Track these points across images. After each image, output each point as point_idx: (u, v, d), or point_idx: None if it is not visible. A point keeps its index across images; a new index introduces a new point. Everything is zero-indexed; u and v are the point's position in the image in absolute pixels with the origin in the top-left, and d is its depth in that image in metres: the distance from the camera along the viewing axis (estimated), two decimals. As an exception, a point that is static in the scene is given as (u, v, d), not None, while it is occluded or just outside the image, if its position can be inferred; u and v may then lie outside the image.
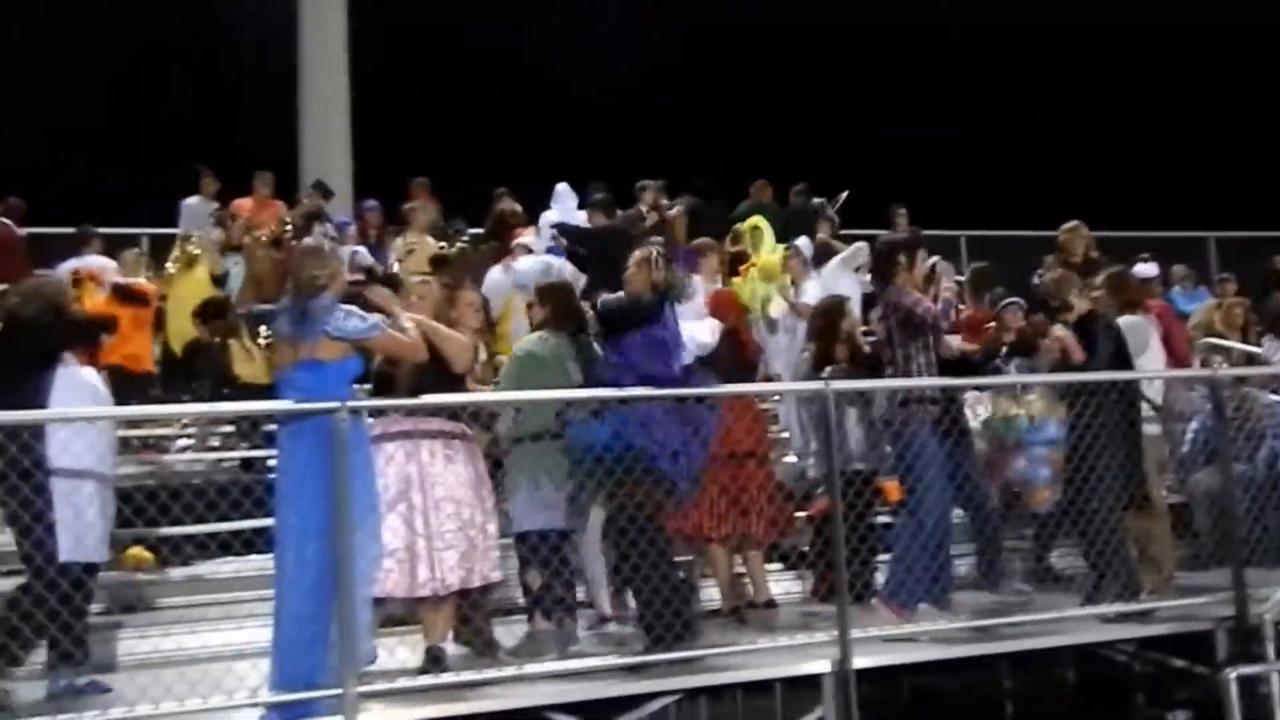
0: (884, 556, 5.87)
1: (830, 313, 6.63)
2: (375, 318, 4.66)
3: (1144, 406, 6.12)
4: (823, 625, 5.27)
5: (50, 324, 4.86)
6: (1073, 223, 8.70)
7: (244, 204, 10.90)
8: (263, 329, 7.80)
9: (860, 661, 4.83)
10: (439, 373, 5.01)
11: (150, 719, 4.09)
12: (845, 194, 11.64)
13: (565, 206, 9.61)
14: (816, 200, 11.32)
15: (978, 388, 5.97)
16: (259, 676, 4.47)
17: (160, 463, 7.48)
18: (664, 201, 10.48)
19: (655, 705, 4.87)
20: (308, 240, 6.80)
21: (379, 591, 4.71)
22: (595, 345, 5.65)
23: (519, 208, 10.45)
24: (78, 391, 5.02)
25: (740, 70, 18.08)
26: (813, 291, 8.07)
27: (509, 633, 5.68)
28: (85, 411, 4.95)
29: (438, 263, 9.10)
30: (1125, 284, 6.91)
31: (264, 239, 9.91)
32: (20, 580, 4.83)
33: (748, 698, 5.31)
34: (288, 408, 4.48)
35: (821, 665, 4.86)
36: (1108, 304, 6.45)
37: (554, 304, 5.88)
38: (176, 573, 6.17)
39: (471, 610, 5.30)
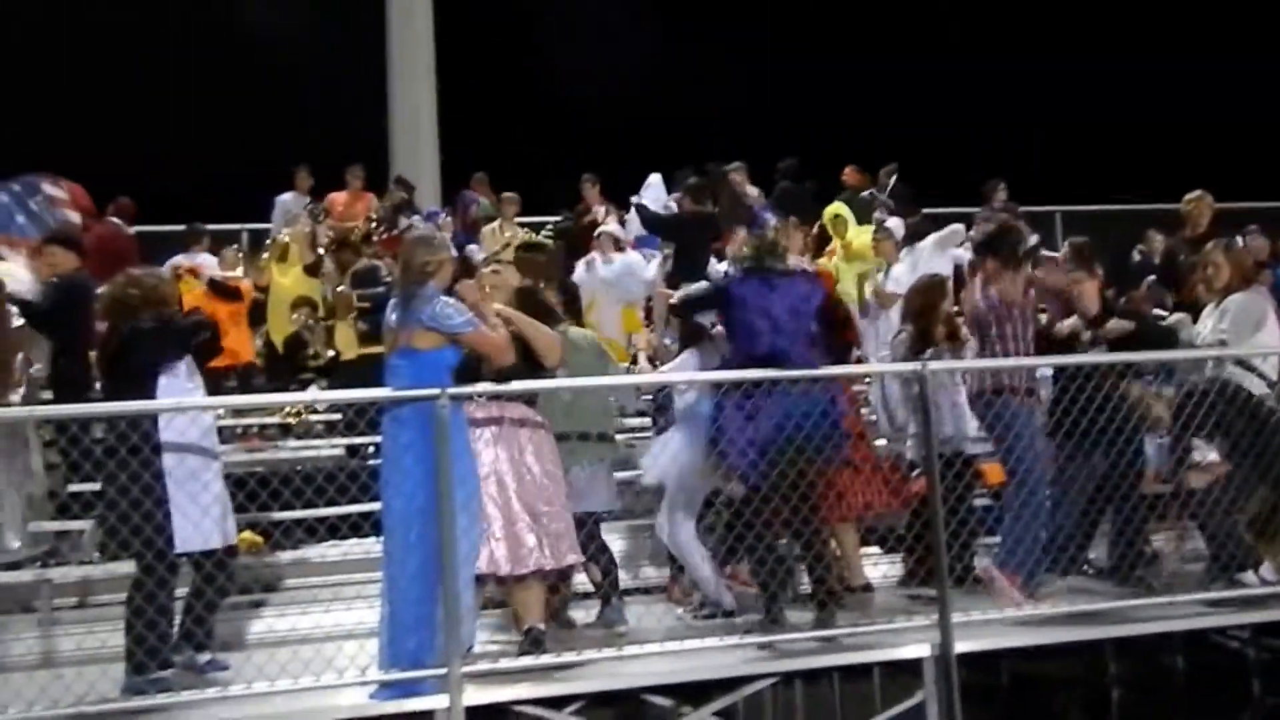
0: (987, 540, 5.78)
1: (929, 292, 6.52)
2: (470, 314, 4.74)
3: (1259, 383, 5.88)
4: (921, 609, 5.21)
5: (162, 334, 5.07)
6: (1196, 192, 8.36)
7: (338, 197, 11.20)
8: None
9: (962, 646, 4.77)
10: (529, 363, 5.09)
11: (265, 696, 4.27)
12: (893, 170, 11.31)
13: (655, 197, 9.65)
14: (866, 192, 11.09)
15: (1076, 367, 5.79)
16: (367, 656, 4.62)
17: (274, 447, 7.74)
18: (748, 189, 10.45)
19: (751, 689, 4.89)
20: (420, 229, 6.93)
21: (481, 568, 4.82)
22: None
23: (589, 200, 10.56)
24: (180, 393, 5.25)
25: (817, 47, 17.89)
26: (902, 274, 7.95)
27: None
28: (206, 401, 5.22)
29: (525, 249, 9.20)
30: (1239, 258, 6.63)
31: (355, 235, 10.14)
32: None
33: (844, 682, 5.27)
34: (388, 395, 4.61)
35: (921, 650, 4.81)
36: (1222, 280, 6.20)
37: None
38: (287, 556, 6.38)
39: (551, 593, 5.38)
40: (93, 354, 7.08)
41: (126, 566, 5.95)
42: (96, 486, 6.86)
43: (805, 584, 6.18)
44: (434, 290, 4.68)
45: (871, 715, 4.97)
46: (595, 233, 9.71)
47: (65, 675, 4.53)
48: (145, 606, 4.62)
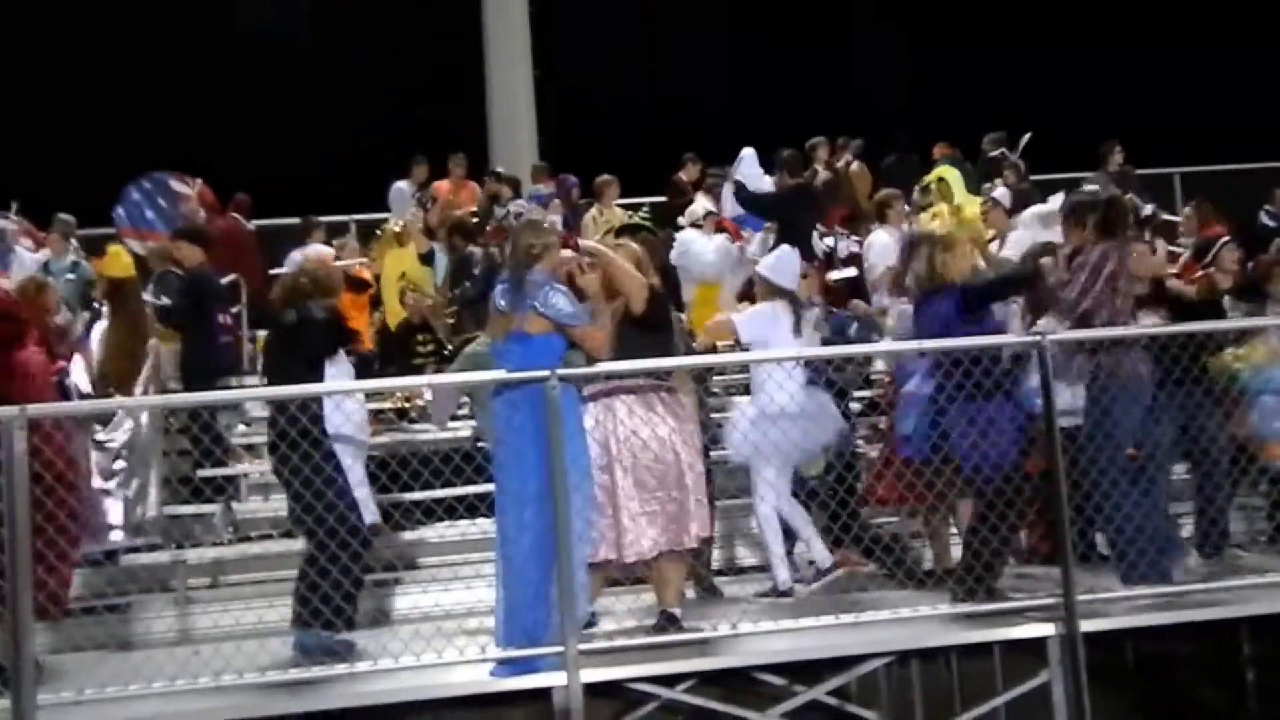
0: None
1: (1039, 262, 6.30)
2: (582, 307, 4.78)
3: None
4: (1043, 587, 5.07)
5: (331, 324, 5.26)
6: None
7: (442, 185, 11.38)
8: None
9: (1088, 625, 4.63)
10: (636, 324, 5.06)
11: (391, 673, 4.40)
12: (1027, 137, 11.01)
13: (750, 171, 9.53)
14: (994, 151, 10.76)
15: (1190, 334, 5.54)
16: (486, 634, 4.72)
17: (406, 430, 7.97)
18: (846, 157, 10.27)
19: (865, 668, 4.83)
20: (532, 213, 7.01)
21: (603, 552, 4.85)
22: None
23: (694, 176, 10.49)
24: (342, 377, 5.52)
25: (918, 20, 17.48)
26: (1019, 242, 7.70)
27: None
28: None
29: (623, 232, 9.23)
30: None
31: (470, 221, 10.30)
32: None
33: (963, 661, 5.18)
34: (499, 377, 4.68)
35: (1045, 629, 4.69)
36: None
37: None
38: (407, 536, 6.56)
39: (694, 561, 5.35)
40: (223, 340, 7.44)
41: (255, 548, 6.22)
42: (228, 471, 7.27)
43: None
44: (543, 275, 4.72)
45: (992, 696, 4.87)
46: (690, 214, 9.66)
47: (202, 652, 4.74)
48: (319, 581, 4.79)
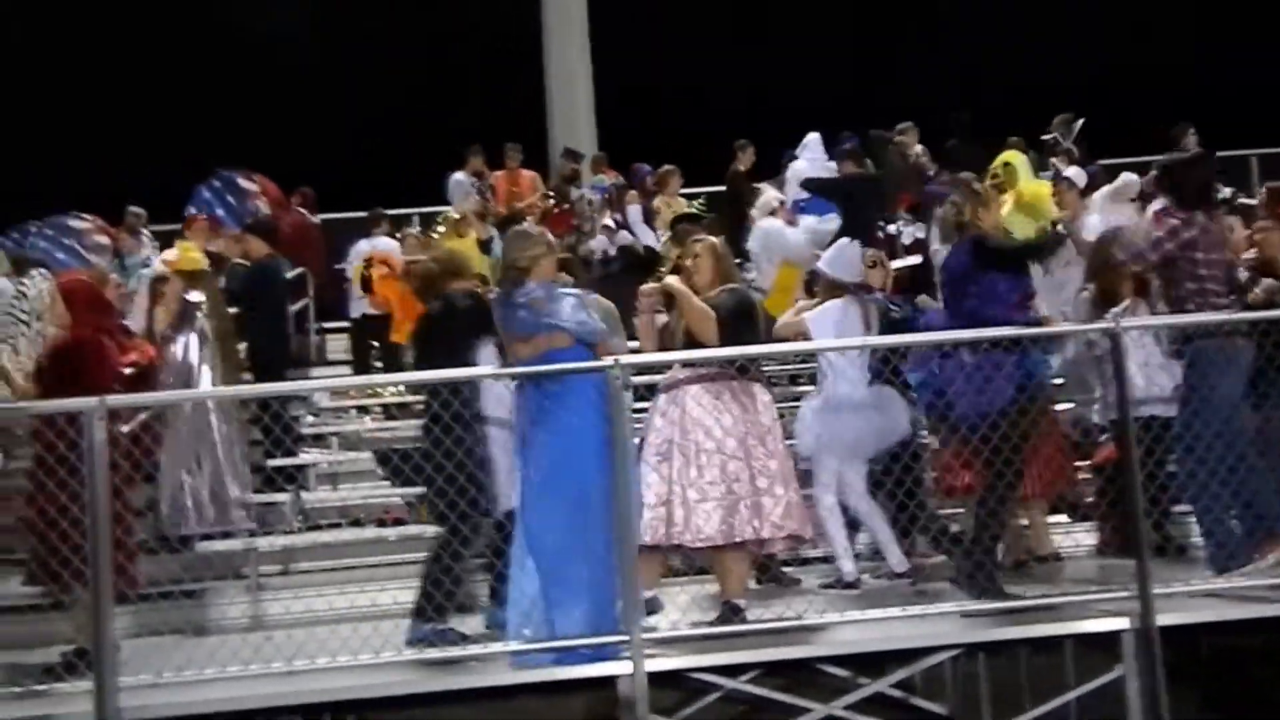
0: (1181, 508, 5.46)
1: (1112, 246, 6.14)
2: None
3: None
4: (1118, 580, 4.95)
5: (478, 310, 5.29)
6: None
7: (499, 175, 11.44)
8: None
9: (1164, 619, 4.51)
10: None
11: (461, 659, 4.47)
12: (1080, 122, 10.70)
13: (814, 156, 9.46)
14: (1052, 135, 10.47)
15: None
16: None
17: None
18: (916, 148, 10.13)
19: (931, 660, 4.77)
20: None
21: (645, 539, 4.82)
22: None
23: (743, 168, 10.44)
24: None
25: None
26: (1094, 225, 7.51)
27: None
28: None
29: (681, 221, 9.21)
30: None
31: (534, 212, 10.36)
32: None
33: (1033, 655, 5.10)
34: (564, 368, 4.69)
35: (1119, 623, 4.57)
36: None
37: None
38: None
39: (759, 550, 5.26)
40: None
41: (326, 536, 6.33)
42: (297, 461, 7.41)
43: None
44: (543, 287, 4.64)
45: (1063, 691, 4.78)
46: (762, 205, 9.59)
47: (275, 637, 4.85)
48: (452, 564, 4.85)
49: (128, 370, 5.48)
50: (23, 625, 5.37)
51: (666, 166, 10.71)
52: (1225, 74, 15.36)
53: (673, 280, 5.13)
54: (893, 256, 8.70)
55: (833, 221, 8.53)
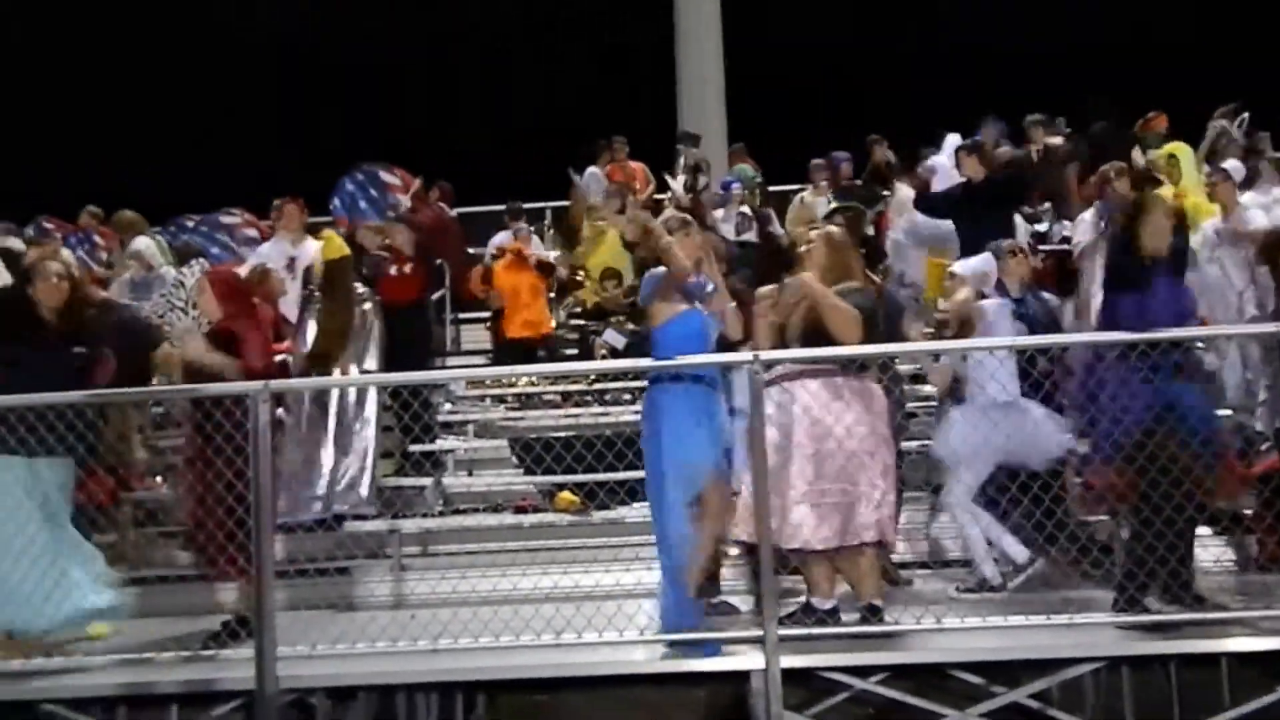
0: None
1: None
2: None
3: None
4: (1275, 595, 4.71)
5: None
6: None
7: (608, 170, 11.50)
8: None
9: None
10: None
11: (592, 647, 4.55)
12: (1246, 114, 10.08)
13: (945, 161, 9.24)
14: (1217, 124, 9.90)
15: None
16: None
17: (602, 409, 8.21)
18: (1054, 140, 9.78)
19: (1070, 672, 4.62)
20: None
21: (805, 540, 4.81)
22: None
23: (893, 157, 10.23)
24: None
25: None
26: (1256, 218, 7.09)
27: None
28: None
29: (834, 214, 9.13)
30: None
31: (643, 202, 10.42)
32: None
33: (1183, 671, 4.89)
34: (701, 360, 4.74)
35: (1280, 642, 4.35)
36: None
37: None
38: (598, 516, 6.76)
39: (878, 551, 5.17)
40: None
41: (469, 520, 6.51)
42: (438, 447, 7.64)
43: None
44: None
45: (1216, 710, 4.55)
46: (898, 204, 9.44)
47: (419, 616, 5.03)
48: None
49: (278, 359, 5.76)
50: (187, 594, 5.69)
51: (814, 162, 10.64)
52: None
53: (810, 279, 5.07)
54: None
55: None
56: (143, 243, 8.77)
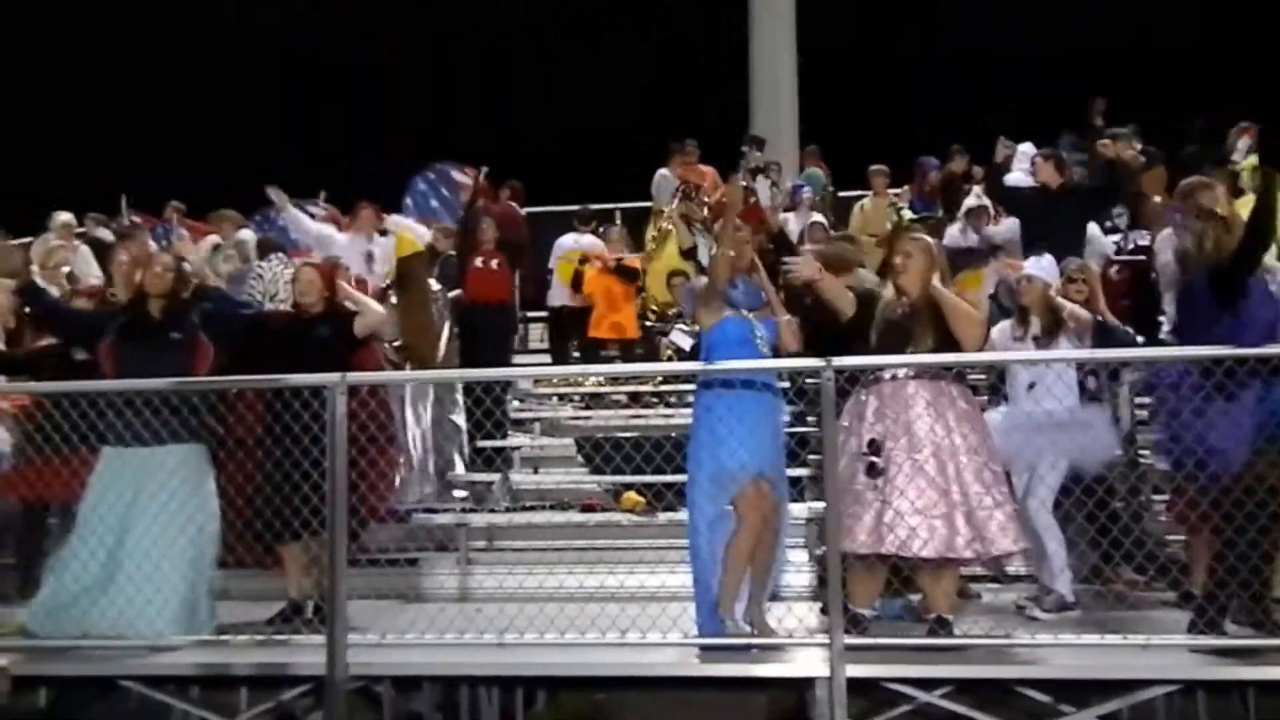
0: None
1: None
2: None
3: None
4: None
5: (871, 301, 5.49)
6: None
7: (684, 173, 11.47)
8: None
9: None
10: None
11: (654, 647, 4.58)
12: None
13: (1026, 167, 9.07)
14: None
15: None
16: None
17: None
18: (1132, 149, 9.55)
19: (1143, 694, 4.51)
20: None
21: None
22: None
23: (968, 167, 10.10)
24: None
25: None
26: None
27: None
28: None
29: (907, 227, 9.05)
30: None
31: (707, 207, 10.41)
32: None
33: (1263, 698, 4.75)
34: (772, 364, 4.71)
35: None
36: None
37: None
38: (663, 517, 6.77)
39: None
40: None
41: (538, 517, 6.55)
42: (505, 444, 7.71)
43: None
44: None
45: (1299, 740, 4.44)
46: (964, 207, 9.30)
47: (485, 610, 5.09)
48: None
49: None
50: (262, 579, 5.82)
51: (874, 167, 10.54)
52: None
53: (938, 284, 5.00)
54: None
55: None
56: (246, 234, 8.96)
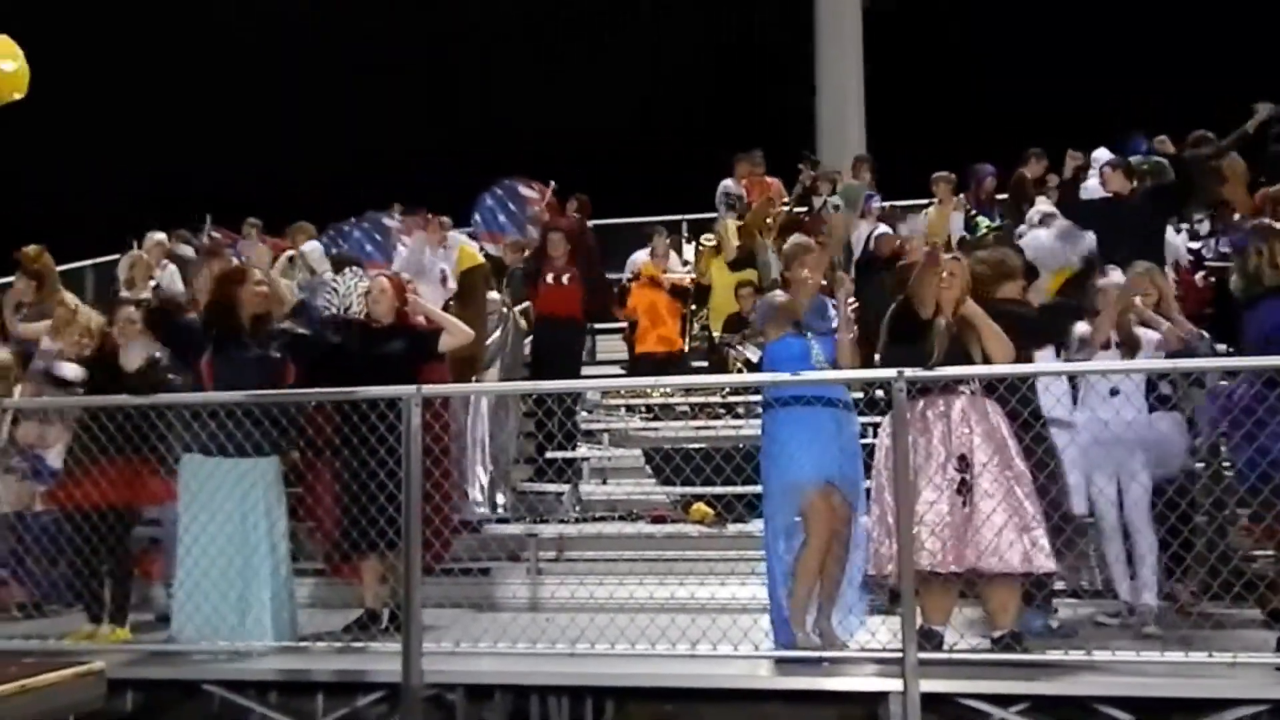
0: None
1: None
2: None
3: None
4: None
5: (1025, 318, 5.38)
6: None
7: (749, 184, 11.44)
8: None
9: None
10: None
11: (707, 658, 4.57)
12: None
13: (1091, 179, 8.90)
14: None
15: None
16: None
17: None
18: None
19: (1228, 715, 4.35)
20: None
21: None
22: None
23: (1042, 173, 9.92)
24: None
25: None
26: None
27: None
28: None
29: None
30: None
31: (769, 221, 10.36)
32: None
33: (1355, 721, 4.56)
34: (842, 376, 4.68)
35: None
36: None
37: None
38: (732, 529, 6.76)
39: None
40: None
41: (608, 527, 6.59)
42: (574, 455, 7.76)
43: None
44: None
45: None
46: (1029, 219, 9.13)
47: (556, 620, 5.13)
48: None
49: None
50: (338, 588, 5.94)
51: (940, 173, 10.39)
52: None
53: (973, 304, 4.96)
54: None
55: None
56: (309, 245, 9.16)
